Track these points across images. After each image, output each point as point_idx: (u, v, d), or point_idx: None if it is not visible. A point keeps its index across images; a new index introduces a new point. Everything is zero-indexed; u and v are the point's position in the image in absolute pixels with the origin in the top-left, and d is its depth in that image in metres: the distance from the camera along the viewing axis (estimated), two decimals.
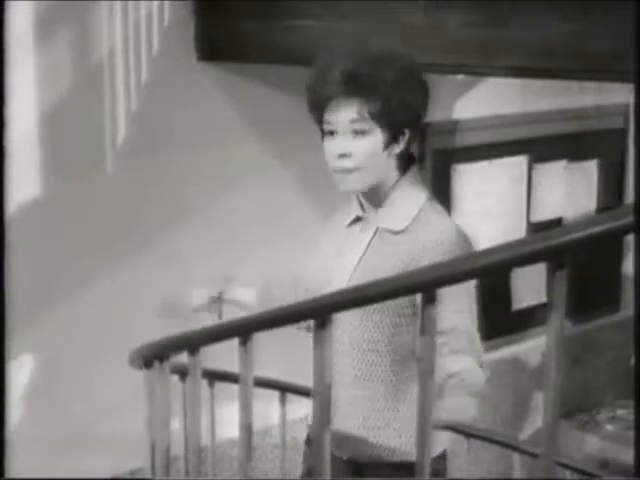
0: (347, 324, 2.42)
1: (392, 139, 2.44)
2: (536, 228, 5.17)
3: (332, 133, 2.46)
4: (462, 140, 4.82)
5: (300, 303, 1.75)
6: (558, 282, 1.39)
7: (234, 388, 2.24)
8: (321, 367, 1.74)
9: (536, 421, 5.29)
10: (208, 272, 4.25)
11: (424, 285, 1.56)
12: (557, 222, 5.31)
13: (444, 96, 4.81)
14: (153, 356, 2.63)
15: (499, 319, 5.21)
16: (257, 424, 3.38)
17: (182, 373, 2.70)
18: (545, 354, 1.45)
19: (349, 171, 2.45)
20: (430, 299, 1.54)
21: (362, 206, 2.58)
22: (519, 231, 5.14)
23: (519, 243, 1.49)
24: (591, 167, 5.55)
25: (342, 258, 2.56)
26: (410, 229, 2.48)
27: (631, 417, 5.42)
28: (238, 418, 2.12)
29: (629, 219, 1.28)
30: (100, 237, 3.95)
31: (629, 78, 2.91)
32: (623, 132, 5.63)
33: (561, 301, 1.40)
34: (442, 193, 4.82)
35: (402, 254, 2.44)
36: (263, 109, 4.35)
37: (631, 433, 5.22)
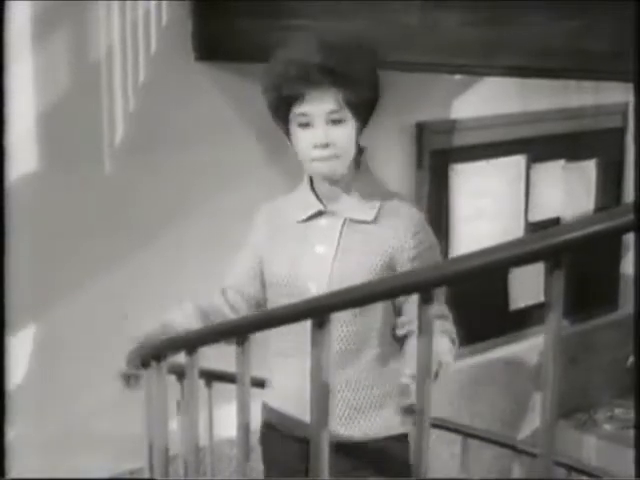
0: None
1: (363, 125, 2.56)
2: (534, 228, 5.17)
3: (307, 125, 2.51)
4: (460, 140, 4.82)
5: (297, 303, 1.74)
6: (556, 281, 1.39)
7: (232, 388, 2.24)
8: (318, 367, 1.74)
9: (534, 421, 5.29)
10: (207, 271, 4.27)
11: (422, 285, 1.56)
12: (555, 222, 5.31)
13: (441, 96, 4.82)
14: (150, 356, 2.63)
15: (497, 319, 5.21)
16: (254, 424, 3.39)
17: (180, 373, 2.70)
18: (543, 354, 1.45)
19: (333, 158, 2.51)
20: (427, 299, 1.54)
21: (320, 200, 2.61)
22: (517, 231, 5.14)
23: (517, 243, 1.49)
24: (589, 167, 5.55)
25: (312, 251, 2.59)
26: (379, 218, 2.54)
27: (629, 417, 5.43)
28: (236, 418, 2.12)
29: (629, 218, 1.28)
30: (98, 236, 3.94)
31: (628, 77, 2.90)
32: (622, 131, 5.63)
33: (559, 300, 1.40)
34: (440, 193, 4.82)
35: (378, 242, 2.50)
36: (261, 109, 4.33)
37: (629, 433, 5.23)
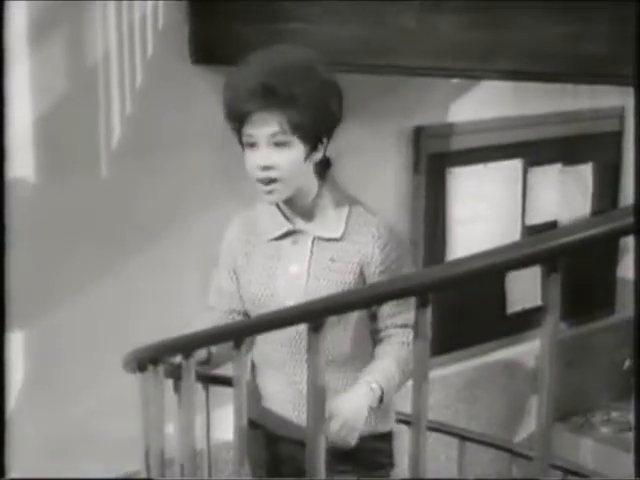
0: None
1: (312, 148, 2.51)
2: (531, 231, 5.17)
3: (253, 145, 2.50)
4: (457, 143, 4.82)
5: (293, 307, 1.74)
6: (552, 285, 1.39)
7: (229, 391, 2.24)
8: (315, 370, 1.74)
9: (530, 424, 5.30)
10: (207, 274, 4.27)
11: (418, 289, 1.56)
12: (552, 225, 5.31)
13: (439, 99, 4.82)
14: (147, 360, 2.63)
15: (494, 322, 5.21)
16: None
17: (177, 376, 2.70)
18: (539, 357, 1.45)
19: (273, 182, 2.50)
20: (424, 303, 1.54)
21: (288, 219, 2.61)
22: (514, 234, 5.14)
23: (514, 246, 1.50)
24: (586, 170, 5.55)
25: (287, 271, 2.58)
26: (347, 234, 2.54)
27: (625, 420, 5.43)
28: (232, 421, 2.13)
29: (628, 221, 1.28)
30: (95, 241, 3.94)
31: (626, 81, 2.90)
32: (618, 135, 5.63)
33: (555, 304, 1.40)
34: (437, 196, 4.82)
35: (347, 259, 2.50)
36: None
37: (626, 436, 5.23)
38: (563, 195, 5.39)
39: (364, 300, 1.68)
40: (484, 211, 5.01)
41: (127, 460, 3.67)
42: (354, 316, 2.44)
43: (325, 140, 2.55)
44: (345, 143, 4.49)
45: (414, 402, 1.64)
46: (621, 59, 2.72)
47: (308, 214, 2.58)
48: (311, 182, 2.56)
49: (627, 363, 5.46)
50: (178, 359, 2.49)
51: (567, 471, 3.51)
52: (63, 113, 3.79)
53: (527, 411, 5.42)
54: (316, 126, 2.48)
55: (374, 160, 4.64)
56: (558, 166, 5.37)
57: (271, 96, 2.41)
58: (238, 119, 2.50)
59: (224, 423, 2.67)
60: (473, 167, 4.91)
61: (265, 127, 2.45)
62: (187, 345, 2.26)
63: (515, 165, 5.13)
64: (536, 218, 5.26)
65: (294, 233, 2.60)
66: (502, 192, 5.10)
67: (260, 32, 3.80)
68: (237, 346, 1.97)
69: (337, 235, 2.53)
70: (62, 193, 3.84)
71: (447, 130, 4.78)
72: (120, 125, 3.98)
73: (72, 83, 3.83)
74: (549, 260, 1.39)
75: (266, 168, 2.49)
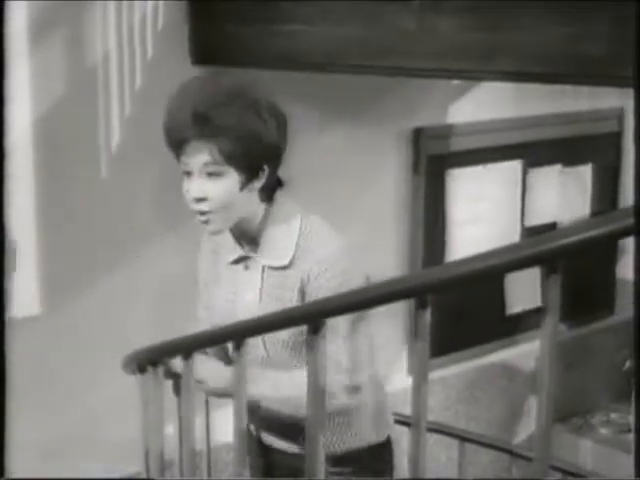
0: None
1: (250, 177, 2.43)
2: (530, 232, 5.17)
3: (189, 174, 2.46)
4: (456, 145, 4.82)
5: (292, 309, 1.74)
6: (552, 286, 1.39)
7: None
8: (315, 371, 1.74)
9: (530, 425, 5.30)
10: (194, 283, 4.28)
11: (418, 290, 1.56)
12: (551, 227, 5.31)
13: (438, 101, 4.82)
14: (147, 361, 2.63)
15: (493, 323, 5.21)
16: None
17: (176, 378, 2.70)
18: (539, 358, 1.45)
19: (207, 213, 2.44)
20: (423, 304, 1.54)
21: (240, 244, 2.58)
22: (513, 236, 5.14)
23: (513, 247, 1.50)
24: (586, 171, 5.55)
25: (243, 297, 2.55)
26: (295, 261, 2.46)
27: (625, 421, 5.43)
28: (232, 422, 2.12)
29: (629, 222, 1.28)
30: (94, 243, 3.94)
31: (626, 83, 2.90)
32: (618, 136, 5.63)
33: (555, 305, 1.40)
34: (436, 197, 4.82)
35: (294, 287, 2.42)
36: None
37: (625, 437, 5.23)
38: (563, 196, 5.40)
39: (363, 302, 1.68)
40: (484, 212, 5.01)
41: (128, 461, 3.68)
42: None
43: (266, 168, 2.47)
44: (345, 144, 4.54)
45: (414, 403, 1.64)
46: (621, 60, 2.72)
47: (254, 241, 2.52)
48: (255, 208, 2.49)
49: (627, 364, 5.46)
50: (177, 363, 2.49)
51: (566, 472, 3.52)
52: (62, 115, 3.79)
53: (526, 412, 5.43)
54: (250, 155, 2.41)
55: (373, 161, 4.64)
56: (558, 167, 5.37)
57: (202, 125, 2.36)
58: (174, 147, 2.47)
59: (224, 425, 2.67)
60: (472, 168, 4.91)
61: (198, 156, 2.40)
62: (187, 346, 2.26)
63: (514, 166, 5.13)
64: (536, 219, 5.26)
65: (246, 259, 2.57)
66: (501, 193, 5.10)
67: (259, 33, 3.80)
68: (237, 347, 1.97)
69: (284, 263, 2.46)
70: (61, 195, 3.84)
71: (447, 131, 4.78)
72: (120, 127, 3.98)
73: (71, 85, 3.83)
74: (548, 261, 1.40)
75: (199, 200, 2.44)
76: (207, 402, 3.41)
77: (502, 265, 1.49)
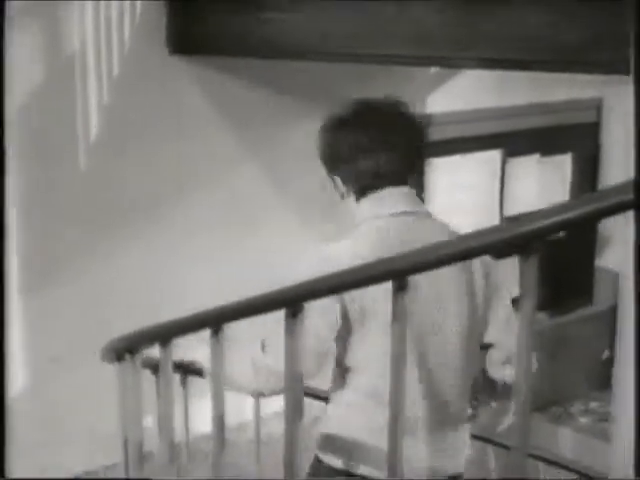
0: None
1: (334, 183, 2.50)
2: (510, 221, 5.18)
3: None
4: (436, 134, 4.81)
5: (270, 293, 1.74)
6: (529, 269, 1.38)
7: (208, 383, 2.22)
8: (292, 356, 1.73)
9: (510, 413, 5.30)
10: (178, 270, 4.27)
11: (397, 273, 1.55)
12: None
13: (416, 90, 4.81)
14: (125, 349, 2.61)
15: None
16: (231, 420, 3.37)
17: (155, 367, 2.68)
18: (517, 342, 1.44)
19: None
20: (402, 287, 1.53)
21: None
22: (493, 224, 5.15)
23: (491, 231, 1.49)
24: (565, 161, 5.56)
25: None
26: None
27: (604, 410, 5.45)
28: (210, 410, 2.11)
29: (608, 202, 1.27)
30: (74, 232, 3.93)
31: (604, 69, 2.91)
32: (596, 126, 5.64)
33: (531, 288, 1.39)
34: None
35: None
36: (236, 102, 4.34)
37: (604, 426, 5.24)
38: (542, 185, 5.41)
39: (342, 286, 1.68)
40: (463, 201, 5.01)
41: (106, 453, 3.66)
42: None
43: (333, 176, 2.49)
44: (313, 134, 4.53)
45: (392, 391, 1.64)
46: (599, 47, 2.73)
47: None
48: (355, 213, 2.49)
49: (605, 353, 5.47)
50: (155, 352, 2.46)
51: (545, 460, 3.52)
52: (40, 103, 3.78)
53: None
54: (325, 165, 2.51)
55: None
56: (537, 157, 5.38)
57: None
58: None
59: (204, 415, 2.65)
60: (452, 158, 4.91)
61: None
62: (164, 334, 2.24)
63: (493, 156, 5.13)
64: (515, 208, 5.27)
65: None
66: (481, 183, 5.11)
67: (238, 22, 3.78)
68: (215, 333, 1.95)
69: None
70: (40, 185, 3.83)
71: (425, 121, 4.77)
72: (98, 117, 3.96)
73: (50, 75, 3.81)
74: (526, 243, 1.39)
75: None
76: (185, 392, 3.39)
77: (480, 248, 1.49)
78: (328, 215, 4.65)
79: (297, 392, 1.77)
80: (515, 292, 2.38)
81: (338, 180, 2.46)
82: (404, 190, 2.40)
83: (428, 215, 2.44)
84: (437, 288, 2.28)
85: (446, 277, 2.27)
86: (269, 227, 4.54)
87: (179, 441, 3.21)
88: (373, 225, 2.35)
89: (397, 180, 2.39)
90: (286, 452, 1.82)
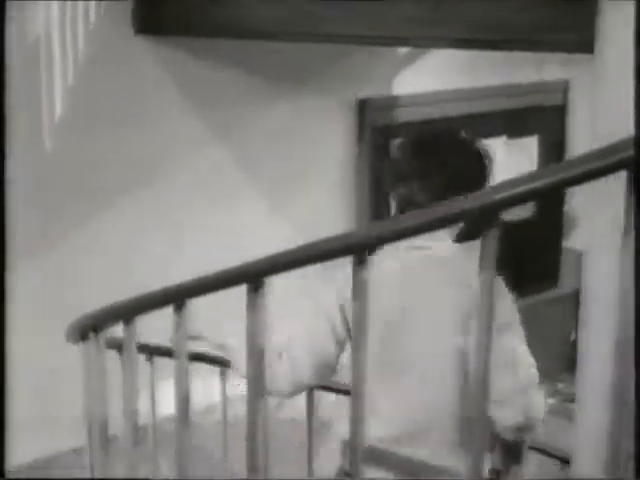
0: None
1: None
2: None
3: None
4: (401, 116, 4.82)
5: (232, 268, 1.73)
6: (489, 241, 1.38)
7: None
8: (254, 331, 1.73)
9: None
10: (148, 252, 4.26)
11: (357, 247, 1.55)
12: None
13: (383, 72, 4.81)
14: (89, 328, 2.59)
15: None
16: (198, 402, 3.35)
17: (121, 347, 2.66)
18: (476, 314, 1.44)
19: None
20: (362, 260, 1.53)
21: None
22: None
23: (453, 203, 1.49)
24: (531, 143, 5.57)
25: None
26: None
27: (571, 391, 5.48)
28: (174, 385, 2.10)
29: (573, 172, 1.27)
30: (38, 214, 3.91)
31: (570, 48, 2.91)
32: (562, 109, 5.65)
33: (491, 259, 1.39)
34: (381, 169, 4.80)
35: None
36: (204, 83, 4.32)
37: (570, 406, 5.27)
38: (508, 167, 5.40)
39: (303, 260, 1.67)
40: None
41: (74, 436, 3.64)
42: None
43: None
44: (291, 114, 4.52)
45: (353, 366, 1.63)
46: (566, 26, 2.73)
47: None
48: None
49: (573, 335, 5.50)
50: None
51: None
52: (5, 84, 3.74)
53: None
54: None
55: (319, 131, 4.63)
56: (503, 139, 5.39)
57: None
58: None
59: (171, 397, 2.63)
60: None
61: None
62: (128, 311, 2.23)
63: None
64: None
65: None
66: None
67: (203, 2, 3.76)
68: (178, 310, 1.94)
69: None
70: (4, 168, 3.80)
71: (392, 102, 4.78)
72: (62, 97, 3.93)
73: (14, 56, 3.78)
74: (487, 215, 1.39)
75: None
76: (152, 373, 3.38)
77: (440, 220, 1.49)
78: (298, 197, 4.66)
79: (259, 369, 1.76)
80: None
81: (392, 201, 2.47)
82: None
83: (440, 250, 2.38)
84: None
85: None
86: (238, 209, 4.53)
87: (146, 424, 3.20)
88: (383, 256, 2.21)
89: None
90: (248, 432, 1.82)
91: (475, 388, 1.45)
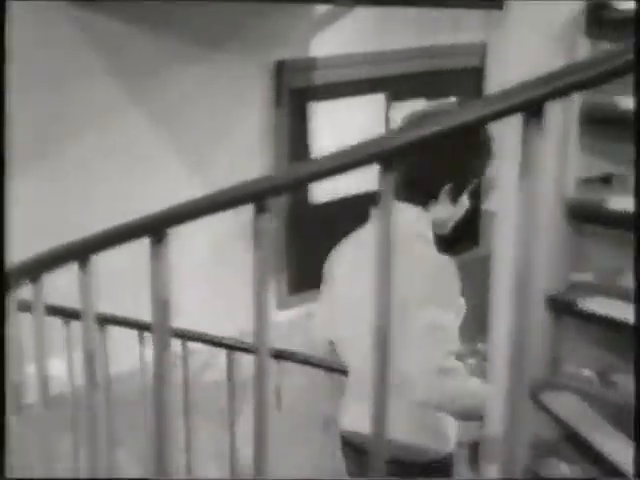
0: None
1: None
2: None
3: None
4: (319, 78, 4.81)
5: (135, 220, 1.71)
6: (386, 185, 1.39)
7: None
8: (158, 283, 1.71)
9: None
10: (61, 220, 4.20)
11: (258, 194, 1.54)
12: None
13: (301, 34, 4.79)
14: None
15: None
16: (117, 368, 3.33)
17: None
18: (375, 261, 1.43)
19: None
20: (261, 208, 1.52)
21: None
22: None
23: (354, 148, 1.49)
24: (452, 105, 5.59)
25: None
26: None
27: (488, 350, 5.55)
28: (81, 342, 2.07)
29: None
30: None
31: (480, 4, 2.93)
32: (479, 71, 5.68)
33: (388, 204, 1.39)
34: (300, 131, 4.80)
35: None
36: (118, 45, 4.27)
37: (484, 364, 5.35)
38: None
39: (205, 209, 1.65)
40: (348, 144, 5.01)
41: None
42: None
43: None
44: (209, 77, 4.48)
45: (256, 318, 1.62)
46: None
47: None
48: None
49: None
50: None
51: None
52: None
53: None
54: None
55: (237, 94, 4.60)
56: (421, 101, 5.40)
57: None
58: None
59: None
60: (336, 101, 4.90)
61: None
62: (33, 269, 2.19)
63: (378, 100, 5.13)
64: None
65: None
66: (366, 126, 5.11)
67: None
68: (82, 267, 1.92)
69: None
70: None
71: (310, 65, 4.76)
72: None
73: None
74: (385, 159, 1.39)
75: None
76: (68, 337, 3.34)
77: (343, 165, 1.48)
78: (217, 161, 4.63)
79: (164, 320, 1.75)
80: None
81: None
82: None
83: None
84: None
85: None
86: (156, 173, 4.49)
87: (62, 390, 3.17)
88: None
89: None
90: (155, 384, 1.80)
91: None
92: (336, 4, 4.51)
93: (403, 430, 2.55)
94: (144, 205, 4.32)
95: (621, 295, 2.52)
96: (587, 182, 2.72)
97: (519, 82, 1.27)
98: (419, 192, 2.52)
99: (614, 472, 2.29)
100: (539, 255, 2.32)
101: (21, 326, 2.63)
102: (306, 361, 4.09)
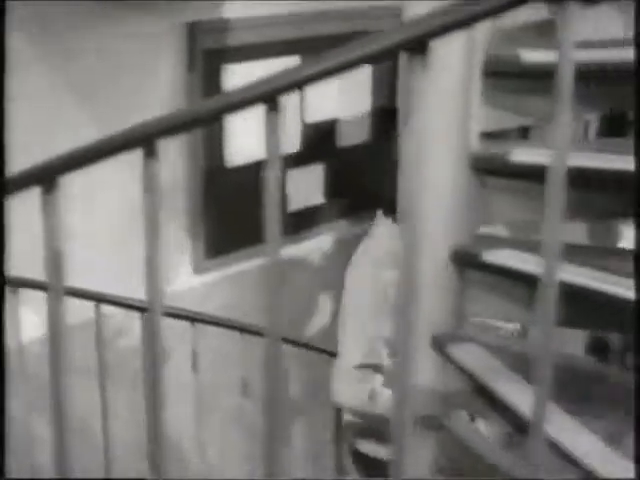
0: None
1: None
2: (310, 128, 5.21)
3: None
4: (232, 40, 4.77)
5: (22, 170, 1.68)
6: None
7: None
8: (50, 234, 1.69)
9: (321, 320, 5.41)
10: None
11: (146, 137, 1.53)
12: (333, 123, 5.38)
13: None
14: None
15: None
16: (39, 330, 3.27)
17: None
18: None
19: None
20: (150, 152, 1.51)
21: None
22: (295, 131, 5.16)
23: (238, 89, 1.48)
24: (365, 68, 5.58)
25: None
26: None
27: None
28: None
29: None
30: None
31: None
32: None
33: (276, 145, 1.39)
34: (213, 94, 4.75)
35: None
36: (23, 2, 4.18)
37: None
38: (342, 92, 5.43)
39: (97, 154, 1.62)
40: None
41: None
42: None
43: None
44: (117, 39, 4.40)
45: (147, 271, 1.60)
46: None
47: None
48: None
49: None
50: None
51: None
52: None
53: (318, 308, 5.52)
54: None
55: (148, 57, 4.53)
56: None
57: None
58: None
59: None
60: (250, 64, 4.86)
61: None
62: None
63: (292, 62, 5.11)
64: (316, 116, 5.28)
65: None
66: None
67: None
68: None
69: None
70: None
71: (222, 26, 4.72)
72: None
73: None
74: (270, 99, 1.39)
75: None
76: (17, 305, 3.28)
77: (227, 106, 1.48)
78: (129, 124, 4.56)
79: (57, 273, 1.72)
80: None
81: None
82: None
83: None
84: None
85: None
86: (63, 136, 4.41)
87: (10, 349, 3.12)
88: None
89: None
90: (50, 339, 1.78)
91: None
92: None
93: None
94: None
95: (532, 248, 2.54)
96: (493, 136, 2.74)
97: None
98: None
99: (518, 420, 2.32)
100: (442, 207, 2.34)
101: None
102: (222, 324, 4.11)
